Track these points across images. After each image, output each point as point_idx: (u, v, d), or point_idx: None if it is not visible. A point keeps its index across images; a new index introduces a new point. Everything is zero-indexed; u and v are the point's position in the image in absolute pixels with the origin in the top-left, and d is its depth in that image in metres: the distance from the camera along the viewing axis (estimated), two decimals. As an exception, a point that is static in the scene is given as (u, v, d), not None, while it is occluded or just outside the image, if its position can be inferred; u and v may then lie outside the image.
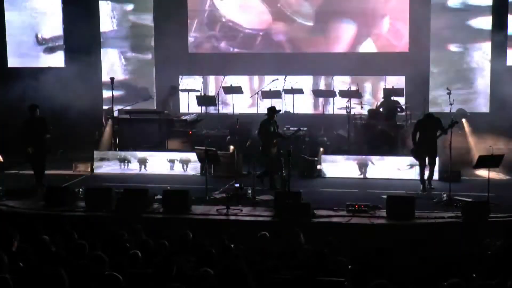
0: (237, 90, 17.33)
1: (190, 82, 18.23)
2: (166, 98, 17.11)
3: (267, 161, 13.45)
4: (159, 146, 15.86)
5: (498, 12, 16.80)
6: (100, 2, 18.29)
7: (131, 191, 12.17)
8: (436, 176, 13.42)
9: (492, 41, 16.75)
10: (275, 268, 7.18)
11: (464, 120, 15.66)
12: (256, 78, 18.11)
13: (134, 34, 18.36)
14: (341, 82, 17.67)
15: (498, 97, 16.04)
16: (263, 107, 15.86)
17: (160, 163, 14.81)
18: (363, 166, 14.19)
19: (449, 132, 12.54)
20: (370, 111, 15.60)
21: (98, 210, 11.61)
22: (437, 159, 13.27)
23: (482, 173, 13.21)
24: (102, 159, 15.02)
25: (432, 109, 15.56)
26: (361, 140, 15.37)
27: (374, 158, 14.27)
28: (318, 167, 14.39)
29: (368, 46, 17.80)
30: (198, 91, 17.83)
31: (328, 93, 17.33)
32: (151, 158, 14.92)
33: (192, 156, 13.81)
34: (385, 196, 11.64)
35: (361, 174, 14.19)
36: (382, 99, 16.10)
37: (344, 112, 15.90)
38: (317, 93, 17.62)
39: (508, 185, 13.39)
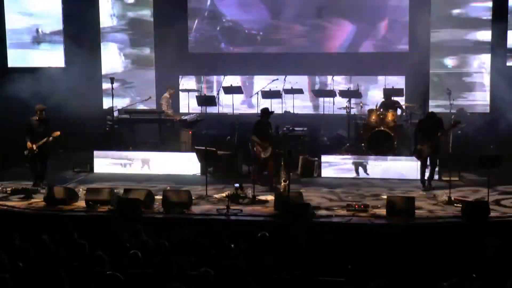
0: (237, 90, 17.33)
1: (191, 82, 18.25)
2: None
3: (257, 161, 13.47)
4: (159, 146, 15.87)
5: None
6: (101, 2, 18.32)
7: (131, 191, 12.18)
8: (436, 176, 13.41)
9: (492, 39, 16.73)
10: (275, 268, 7.18)
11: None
12: (256, 78, 18.09)
13: (133, 34, 18.35)
14: (341, 82, 17.69)
15: (498, 97, 16.03)
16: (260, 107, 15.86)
17: (160, 163, 14.81)
18: (362, 166, 14.19)
19: (450, 132, 12.56)
20: (370, 111, 15.59)
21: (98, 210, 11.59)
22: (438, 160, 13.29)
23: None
24: (102, 159, 15.00)
25: (431, 110, 15.54)
26: (361, 140, 15.37)
27: (373, 158, 14.28)
28: (318, 167, 14.38)
29: (368, 46, 17.80)
30: (198, 91, 17.85)
31: (328, 93, 17.34)
32: (151, 158, 14.91)
33: (192, 156, 13.81)
34: (385, 196, 11.64)
35: (360, 174, 14.19)
36: (382, 99, 16.09)
37: (344, 112, 15.92)
38: (317, 93, 17.63)
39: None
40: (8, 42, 18.58)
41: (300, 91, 17.45)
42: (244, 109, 17.76)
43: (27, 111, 14.09)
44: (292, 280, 6.04)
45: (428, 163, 13.17)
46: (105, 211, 11.54)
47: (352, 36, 17.86)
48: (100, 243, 8.18)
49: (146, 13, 18.25)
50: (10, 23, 18.51)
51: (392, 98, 15.86)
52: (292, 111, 17.46)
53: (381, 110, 15.29)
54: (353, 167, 14.24)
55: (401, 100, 16.26)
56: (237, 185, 12.51)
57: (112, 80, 15.70)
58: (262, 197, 12.40)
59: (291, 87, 17.35)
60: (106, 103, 17.46)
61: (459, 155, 13.83)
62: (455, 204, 11.63)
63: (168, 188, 12.44)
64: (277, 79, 17.04)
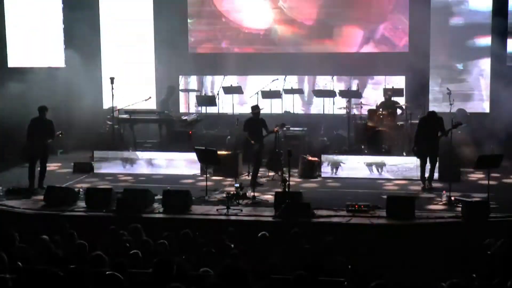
0: (237, 90, 17.33)
1: (192, 82, 18.26)
2: (165, 98, 17.10)
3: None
4: (159, 146, 15.86)
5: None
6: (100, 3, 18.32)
7: (131, 191, 12.18)
8: (436, 176, 13.42)
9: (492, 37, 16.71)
10: (275, 268, 7.19)
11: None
12: (256, 78, 18.08)
13: (134, 34, 18.34)
14: (341, 82, 17.68)
15: (498, 97, 16.03)
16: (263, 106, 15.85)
17: (160, 163, 14.80)
18: (363, 166, 14.19)
19: (450, 132, 12.56)
20: (370, 111, 15.59)
21: (98, 210, 11.61)
22: (437, 159, 13.29)
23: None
24: (102, 159, 15.00)
25: (431, 109, 15.52)
26: (361, 140, 15.37)
27: (374, 158, 14.27)
28: (318, 167, 14.39)
29: (368, 46, 17.80)
30: (198, 91, 17.84)
31: (328, 93, 17.34)
32: (151, 158, 14.90)
33: (192, 156, 13.81)
34: (385, 196, 11.64)
35: (361, 174, 14.18)
36: (382, 99, 16.09)
37: (344, 112, 15.91)
38: (317, 93, 17.63)
39: (508, 185, 13.40)
40: (8, 42, 18.58)
41: (300, 91, 17.42)
42: (244, 109, 17.72)
43: (27, 111, 14.10)
44: (292, 280, 6.04)
45: (428, 162, 13.18)
46: (105, 211, 11.53)
47: (352, 36, 17.84)
48: (100, 243, 8.19)
49: (146, 13, 18.24)
50: (10, 23, 18.51)
51: (392, 98, 15.86)
52: (292, 111, 17.45)
53: (381, 110, 15.30)
54: (353, 167, 14.23)
55: (401, 100, 16.26)
56: (237, 185, 12.53)
57: (112, 80, 15.70)
58: (262, 197, 12.41)
59: (291, 87, 17.35)
60: (106, 103, 17.45)
61: (459, 155, 13.87)
62: (455, 204, 11.63)
63: (168, 188, 12.44)
64: (277, 79, 17.05)
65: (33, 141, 13.17)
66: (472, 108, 16.89)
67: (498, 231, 9.68)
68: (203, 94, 17.77)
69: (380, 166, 14.11)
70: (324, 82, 17.68)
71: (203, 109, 17.38)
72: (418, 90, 16.67)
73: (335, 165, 14.23)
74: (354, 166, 14.23)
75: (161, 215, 11.47)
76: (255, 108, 13.82)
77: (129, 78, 17.73)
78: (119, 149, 15.38)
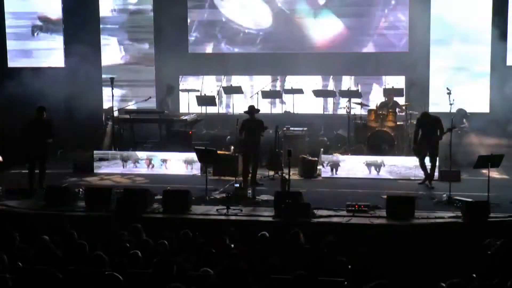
0: (237, 90, 17.32)
1: (192, 82, 18.26)
2: (164, 98, 17.11)
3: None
4: (159, 146, 15.86)
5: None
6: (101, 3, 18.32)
7: (131, 191, 12.18)
8: (436, 175, 13.43)
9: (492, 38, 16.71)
10: (275, 268, 7.19)
11: (464, 120, 15.70)
12: (256, 78, 18.08)
13: (133, 34, 18.35)
14: (341, 82, 17.68)
15: (498, 97, 16.02)
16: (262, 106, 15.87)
17: (160, 163, 14.80)
18: (363, 166, 14.19)
19: (449, 133, 12.60)
20: (370, 111, 15.59)
21: (98, 210, 11.60)
22: (437, 159, 13.30)
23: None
24: (102, 159, 15.00)
25: (432, 109, 15.53)
26: (361, 140, 15.37)
27: (374, 158, 14.27)
28: (318, 167, 14.39)
29: (368, 46, 17.80)
30: (198, 91, 17.85)
31: (328, 93, 17.33)
32: (151, 158, 14.90)
33: (192, 156, 13.80)
34: (385, 196, 11.64)
35: (361, 174, 14.18)
36: (382, 99, 16.10)
37: (344, 112, 15.92)
38: (317, 93, 17.63)
39: (508, 185, 13.39)
40: (8, 42, 18.57)
41: (300, 91, 17.45)
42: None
43: (27, 112, 14.09)
44: (292, 280, 6.04)
45: (428, 163, 13.21)
46: (105, 211, 11.53)
47: (352, 36, 17.84)
48: (100, 243, 8.19)
49: (146, 13, 18.24)
50: (10, 22, 18.50)
51: (392, 98, 15.86)
52: (292, 111, 17.46)
53: (381, 110, 15.30)
54: (353, 167, 14.22)
55: (401, 100, 16.25)
56: (237, 185, 12.52)
57: (112, 81, 15.70)
58: (262, 197, 12.40)
59: (291, 87, 17.36)
60: (106, 103, 17.45)
61: (459, 155, 13.87)
62: (455, 204, 11.63)
63: (168, 188, 12.44)
64: (277, 79, 17.05)
65: (32, 142, 13.16)
66: (472, 108, 16.88)
67: (498, 231, 9.67)
68: (203, 94, 17.77)
69: (380, 166, 14.12)
70: (324, 82, 17.72)
71: (203, 109, 17.38)
72: (418, 90, 16.66)
73: (335, 165, 14.25)
74: (354, 166, 14.24)
75: (161, 215, 11.46)
76: (251, 109, 13.77)
77: (129, 78, 17.75)
78: (119, 149, 15.38)
